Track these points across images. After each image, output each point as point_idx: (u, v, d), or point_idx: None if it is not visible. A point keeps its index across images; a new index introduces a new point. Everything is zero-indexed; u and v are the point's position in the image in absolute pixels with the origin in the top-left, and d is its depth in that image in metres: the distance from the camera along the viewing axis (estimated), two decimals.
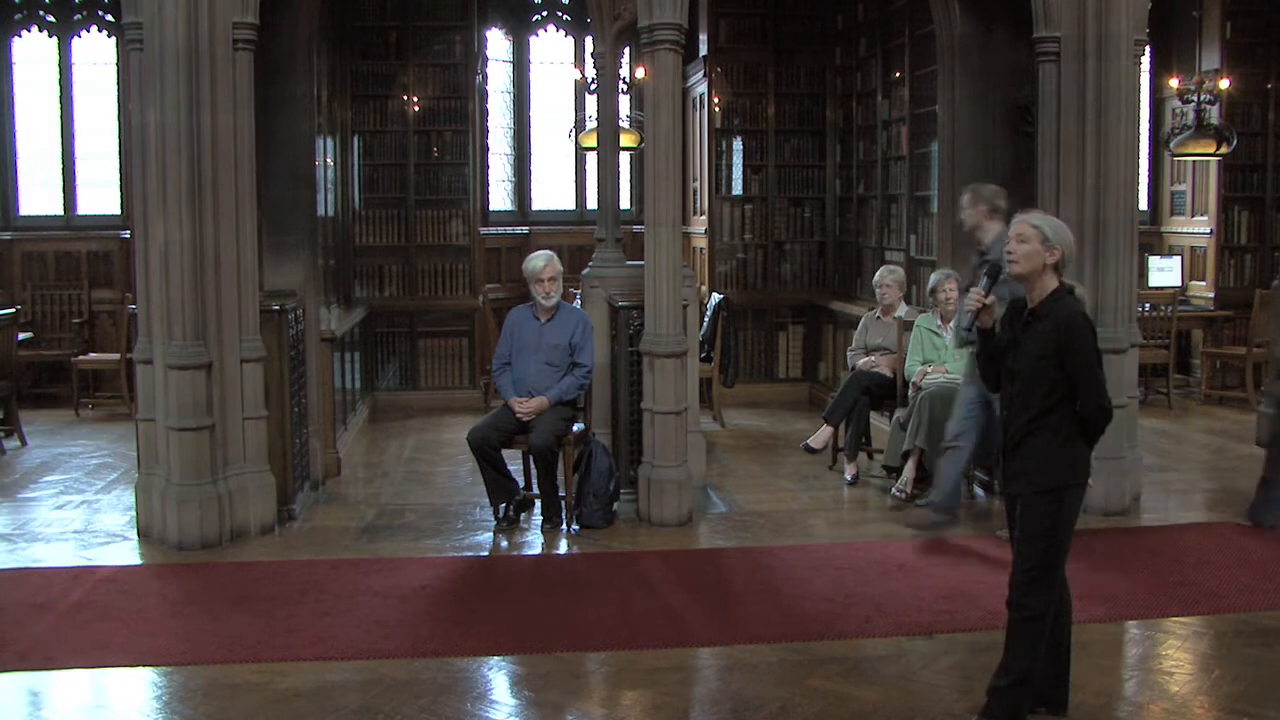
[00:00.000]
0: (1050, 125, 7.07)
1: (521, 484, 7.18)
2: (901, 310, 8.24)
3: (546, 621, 5.43)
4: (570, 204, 12.94)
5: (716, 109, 11.50)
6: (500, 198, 12.65)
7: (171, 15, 6.29)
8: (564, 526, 6.94)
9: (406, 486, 8.10)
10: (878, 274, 8.44)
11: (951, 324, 7.40)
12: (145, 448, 6.76)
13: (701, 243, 11.80)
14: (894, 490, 7.40)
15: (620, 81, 9.43)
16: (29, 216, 11.90)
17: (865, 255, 10.72)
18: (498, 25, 12.46)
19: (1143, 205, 11.33)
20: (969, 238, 7.00)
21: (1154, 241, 11.74)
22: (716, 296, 10.41)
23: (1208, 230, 11.40)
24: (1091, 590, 5.52)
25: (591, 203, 11.70)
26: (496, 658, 5.05)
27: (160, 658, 4.98)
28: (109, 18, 11.65)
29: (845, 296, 11.06)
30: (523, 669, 4.95)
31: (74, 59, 11.84)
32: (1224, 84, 10.69)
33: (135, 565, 6.39)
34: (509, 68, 12.70)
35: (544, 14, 12.72)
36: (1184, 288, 11.41)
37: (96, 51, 11.88)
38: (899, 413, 7.64)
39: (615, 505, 7.04)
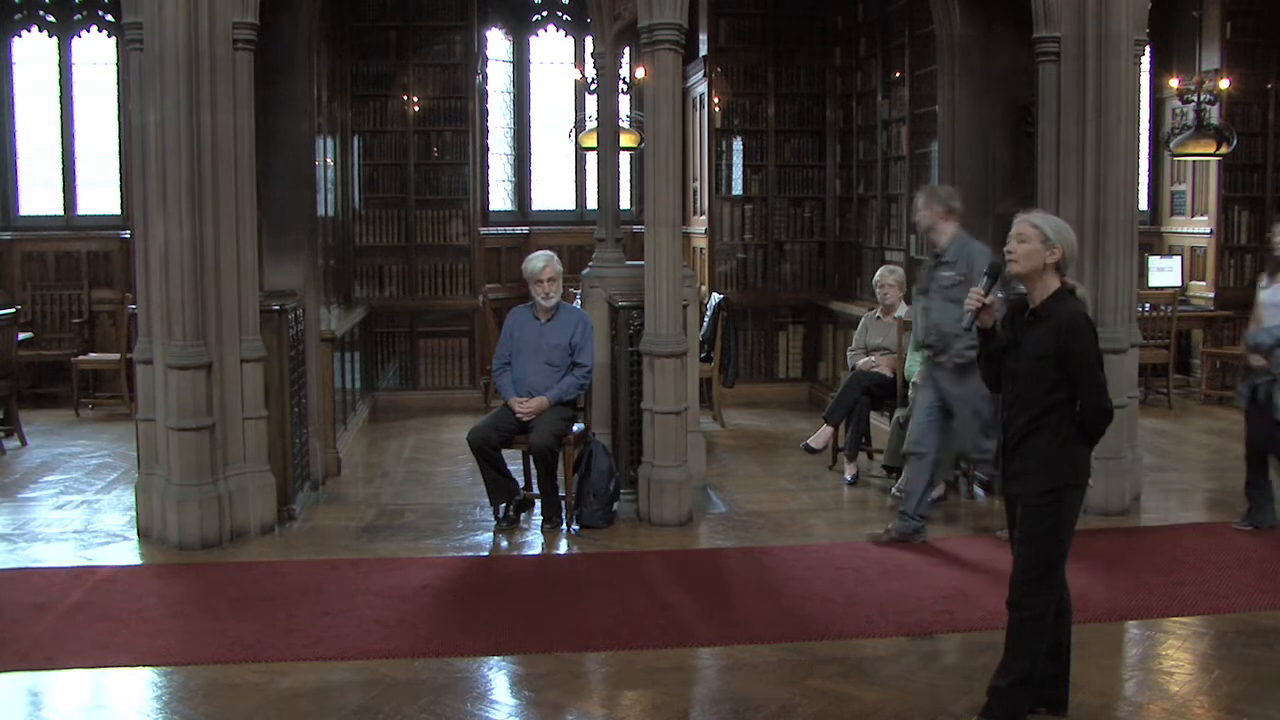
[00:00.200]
0: (1050, 125, 7.07)
1: (521, 484, 7.18)
2: (902, 310, 8.22)
3: (546, 621, 5.42)
4: (570, 204, 12.95)
5: (716, 109, 11.50)
6: (500, 198, 12.66)
7: (171, 15, 6.29)
8: (564, 526, 6.94)
9: (406, 486, 8.10)
10: (878, 274, 8.44)
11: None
12: (145, 448, 6.76)
13: (701, 243, 11.81)
14: (894, 490, 7.38)
15: (620, 81, 9.44)
16: (29, 216, 11.90)
17: (865, 255, 10.71)
18: (498, 25, 12.46)
19: (1143, 205, 11.33)
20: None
21: (1154, 241, 11.74)
22: (716, 296, 10.41)
23: (1208, 230, 11.40)
24: (1091, 590, 5.53)
25: (591, 203, 11.70)
26: (496, 658, 5.05)
27: (160, 658, 4.98)
28: (109, 18, 11.65)
29: (845, 296, 11.05)
30: (523, 669, 4.95)
31: (74, 59, 11.85)
32: (1224, 84, 10.70)
33: (135, 565, 6.39)
34: (509, 68, 12.70)
35: (544, 14, 12.73)
36: (1184, 288, 11.41)
37: (96, 51, 11.89)
38: (899, 413, 7.63)
39: (615, 505, 7.04)
